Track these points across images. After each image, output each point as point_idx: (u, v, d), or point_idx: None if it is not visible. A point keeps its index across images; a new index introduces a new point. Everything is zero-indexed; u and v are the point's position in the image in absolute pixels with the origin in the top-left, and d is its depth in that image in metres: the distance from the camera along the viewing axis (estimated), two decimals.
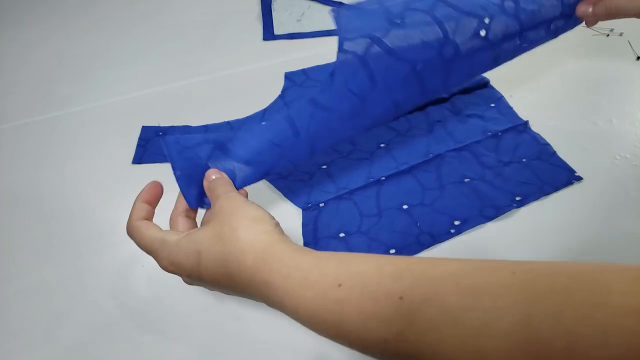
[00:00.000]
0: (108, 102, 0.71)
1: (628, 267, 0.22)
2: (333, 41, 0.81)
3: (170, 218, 0.36)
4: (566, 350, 0.21)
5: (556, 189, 0.52)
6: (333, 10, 0.38)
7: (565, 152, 0.56)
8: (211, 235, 0.31)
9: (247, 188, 0.56)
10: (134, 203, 0.36)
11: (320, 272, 0.28)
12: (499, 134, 0.58)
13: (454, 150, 0.57)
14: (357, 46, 0.38)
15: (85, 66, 0.78)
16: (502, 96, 0.64)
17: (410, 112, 0.63)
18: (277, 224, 0.33)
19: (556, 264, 0.24)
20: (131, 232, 0.35)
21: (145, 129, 0.64)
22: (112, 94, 0.72)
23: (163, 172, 0.59)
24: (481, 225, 0.50)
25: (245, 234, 0.30)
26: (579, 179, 0.53)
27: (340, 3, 0.85)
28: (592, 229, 0.49)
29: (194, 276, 0.33)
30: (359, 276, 0.27)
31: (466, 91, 0.65)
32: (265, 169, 0.39)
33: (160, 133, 0.64)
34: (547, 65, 0.69)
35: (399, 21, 0.38)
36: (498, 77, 0.67)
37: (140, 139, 0.63)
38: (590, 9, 0.45)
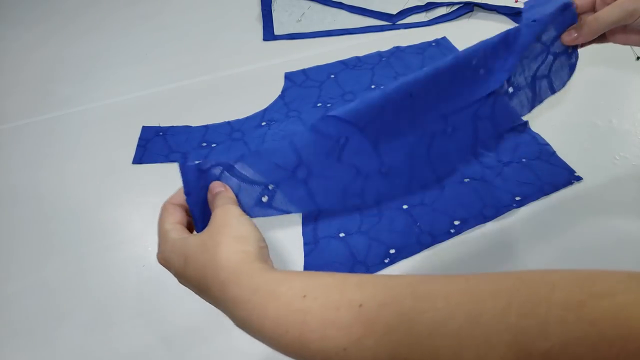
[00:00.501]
0: (108, 102, 0.71)
1: (574, 270, 0.23)
2: (333, 41, 0.81)
3: (164, 206, 0.36)
4: (512, 344, 0.22)
5: (556, 189, 0.52)
6: None
7: (565, 152, 0.56)
8: (200, 243, 0.32)
9: None
10: (178, 189, 0.37)
11: (288, 285, 0.29)
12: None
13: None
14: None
15: (85, 66, 0.78)
16: None
17: None
18: (264, 247, 0.33)
19: (507, 272, 0.25)
20: (161, 210, 0.36)
21: (145, 129, 0.65)
22: (113, 94, 0.72)
23: (163, 172, 0.59)
24: (481, 225, 0.50)
25: (225, 250, 0.31)
26: (579, 179, 0.53)
27: (341, 3, 0.85)
28: (592, 229, 0.49)
29: (180, 278, 0.34)
30: (324, 287, 0.28)
31: None
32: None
33: (161, 133, 0.64)
34: None
35: None
36: None
37: (140, 139, 0.63)
38: (575, 34, 0.44)
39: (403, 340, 0.24)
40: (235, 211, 0.34)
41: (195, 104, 0.69)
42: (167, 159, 0.61)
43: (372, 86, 0.67)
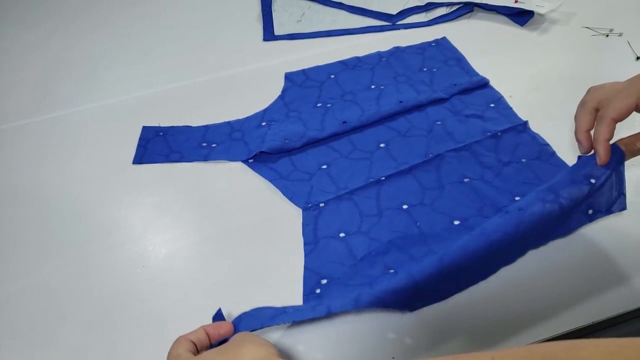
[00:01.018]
0: (109, 102, 0.71)
1: (601, 342, 0.23)
2: (333, 41, 0.81)
3: (178, 339, 0.37)
4: None
5: None
6: None
7: (565, 153, 0.56)
8: (216, 351, 0.34)
9: (248, 189, 0.56)
10: (198, 328, 0.38)
11: None
12: (499, 134, 0.59)
13: (453, 150, 0.57)
14: None
15: (86, 66, 0.78)
16: (502, 96, 0.64)
17: (410, 112, 0.63)
18: (279, 355, 0.34)
19: (532, 346, 0.25)
20: (174, 342, 0.37)
21: (145, 129, 0.65)
22: (113, 94, 0.72)
23: (164, 172, 0.60)
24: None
25: (249, 349, 0.32)
26: None
27: (341, 4, 0.85)
28: (592, 229, 0.49)
29: None
30: None
31: (466, 91, 0.65)
32: None
33: (161, 133, 0.64)
34: (547, 65, 0.69)
35: None
36: (498, 77, 0.67)
37: (140, 139, 0.63)
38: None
39: None
40: (251, 333, 0.36)
41: (195, 104, 0.69)
42: (167, 159, 0.61)
43: (372, 86, 0.68)
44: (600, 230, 0.48)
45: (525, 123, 0.60)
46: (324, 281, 0.46)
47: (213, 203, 0.55)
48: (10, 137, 0.67)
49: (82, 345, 0.44)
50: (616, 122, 0.40)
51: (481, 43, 0.74)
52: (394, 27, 0.80)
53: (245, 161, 0.59)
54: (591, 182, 0.42)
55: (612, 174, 0.42)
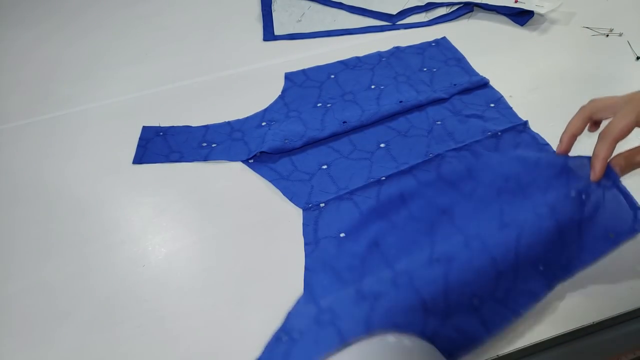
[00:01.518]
0: (108, 102, 0.71)
1: None
2: (333, 41, 0.81)
3: None
4: None
5: None
6: None
7: None
8: None
9: (248, 189, 0.56)
10: None
11: None
12: (499, 133, 0.59)
13: (454, 150, 0.57)
14: None
15: (85, 66, 0.78)
16: (502, 96, 0.64)
17: (410, 112, 0.63)
18: None
19: None
20: None
21: (145, 129, 0.65)
22: (113, 94, 0.72)
23: (163, 172, 0.59)
24: None
25: None
26: None
27: (341, 4, 0.85)
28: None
29: None
30: None
31: (466, 91, 0.65)
32: None
33: (161, 133, 0.64)
34: (547, 65, 0.69)
35: None
36: (498, 77, 0.67)
37: (140, 139, 0.63)
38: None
39: None
40: None
41: (195, 104, 0.69)
42: (167, 159, 0.61)
43: (372, 86, 0.68)
44: None
45: (525, 123, 0.60)
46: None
47: (213, 203, 0.55)
48: (10, 137, 0.67)
49: (82, 345, 0.44)
50: (617, 142, 0.42)
51: (481, 43, 0.74)
52: (394, 27, 0.80)
53: (245, 161, 0.59)
54: (582, 198, 0.42)
55: (604, 193, 0.43)
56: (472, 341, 0.40)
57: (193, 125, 0.64)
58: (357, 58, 0.72)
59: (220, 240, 0.51)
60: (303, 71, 0.71)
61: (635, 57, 0.68)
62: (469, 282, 0.40)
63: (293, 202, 0.54)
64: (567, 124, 0.46)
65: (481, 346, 0.40)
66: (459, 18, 0.80)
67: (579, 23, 0.76)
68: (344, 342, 0.38)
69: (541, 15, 0.76)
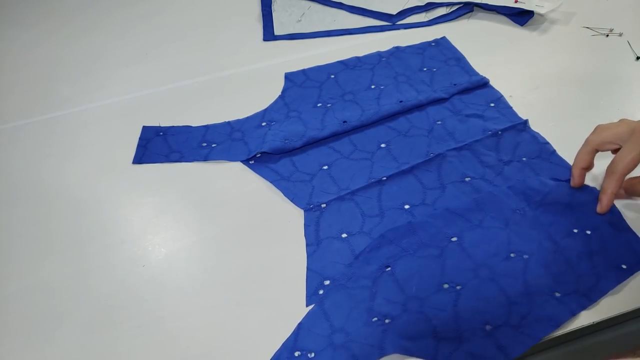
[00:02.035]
0: (108, 102, 0.70)
1: None
2: (333, 41, 0.82)
3: None
4: None
5: None
6: None
7: (565, 151, 0.56)
8: None
9: (249, 189, 0.56)
10: None
11: None
12: (499, 133, 0.59)
13: (454, 149, 0.57)
14: None
15: (85, 66, 0.78)
16: (502, 96, 0.64)
17: (410, 112, 0.63)
18: None
19: None
20: None
21: (145, 129, 0.64)
22: (113, 94, 0.72)
23: (164, 172, 0.59)
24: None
25: None
26: None
27: (340, 4, 0.85)
28: None
29: None
30: None
31: (466, 91, 0.65)
32: None
33: (161, 133, 0.64)
34: (547, 65, 0.69)
35: None
36: (498, 77, 0.67)
37: (140, 139, 0.63)
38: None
39: None
40: None
41: (195, 104, 0.69)
42: (167, 159, 0.61)
43: (372, 86, 0.68)
44: None
45: (526, 122, 0.60)
46: (327, 282, 0.46)
47: (213, 203, 0.55)
48: (10, 137, 0.66)
49: (82, 345, 0.44)
50: (624, 177, 0.45)
51: (481, 43, 0.74)
52: (394, 27, 0.80)
53: (245, 162, 0.59)
54: (587, 233, 0.46)
55: (609, 226, 0.47)
56: None
57: (193, 125, 0.64)
58: (357, 58, 0.72)
59: (220, 241, 0.51)
60: (303, 71, 0.71)
61: (635, 57, 0.68)
62: (478, 309, 0.42)
63: (294, 203, 0.54)
64: (574, 157, 0.49)
65: None
66: (459, 18, 0.80)
67: (579, 23, 0.76)
68: None
69: (541, 15, 0.76)
